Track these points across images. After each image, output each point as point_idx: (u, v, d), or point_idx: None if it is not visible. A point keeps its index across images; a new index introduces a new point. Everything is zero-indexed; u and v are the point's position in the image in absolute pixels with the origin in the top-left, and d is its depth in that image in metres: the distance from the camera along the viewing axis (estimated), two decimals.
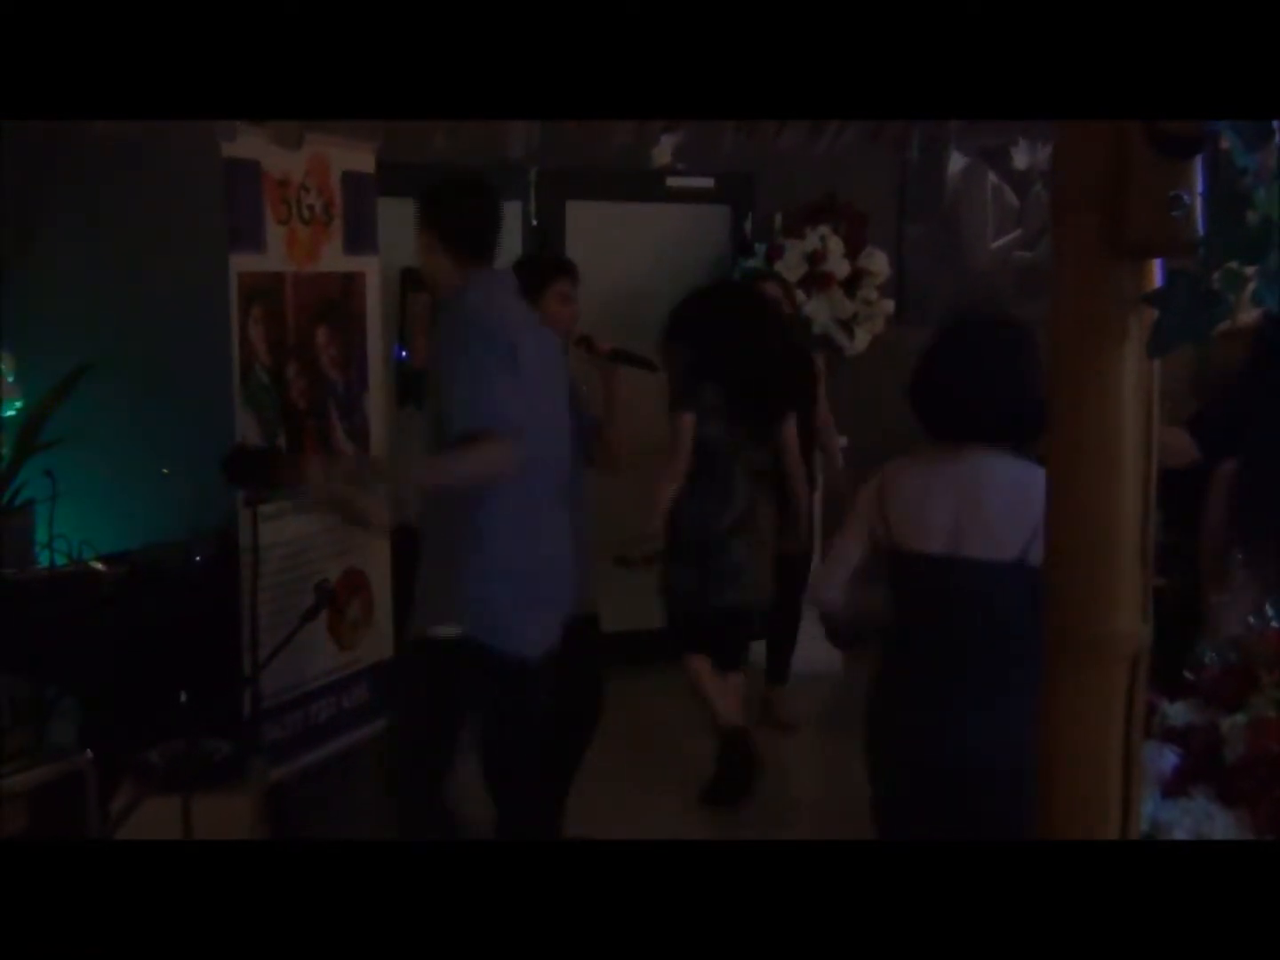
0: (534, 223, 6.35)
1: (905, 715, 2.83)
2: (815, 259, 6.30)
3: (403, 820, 3.63)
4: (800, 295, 6.18)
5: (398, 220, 4.94)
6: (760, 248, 6.43)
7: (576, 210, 6.47)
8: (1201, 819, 2.29)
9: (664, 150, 4.80)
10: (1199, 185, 1.52)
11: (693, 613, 4.93)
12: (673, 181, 6.33)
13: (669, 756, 5.14)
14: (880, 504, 2.87)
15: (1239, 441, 3.79)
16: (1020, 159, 7.17)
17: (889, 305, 6.50)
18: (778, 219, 6.52)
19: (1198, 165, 1.52)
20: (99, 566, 4.26)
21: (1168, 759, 2.43)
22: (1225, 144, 1.49)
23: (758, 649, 5.60)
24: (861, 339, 6.43)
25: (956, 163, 7.09)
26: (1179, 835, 2.27)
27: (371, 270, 4.84)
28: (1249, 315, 4.12)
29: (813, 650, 6.34)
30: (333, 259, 4.67)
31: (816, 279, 6.28)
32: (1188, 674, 2.66)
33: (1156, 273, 1.64)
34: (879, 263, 6.45)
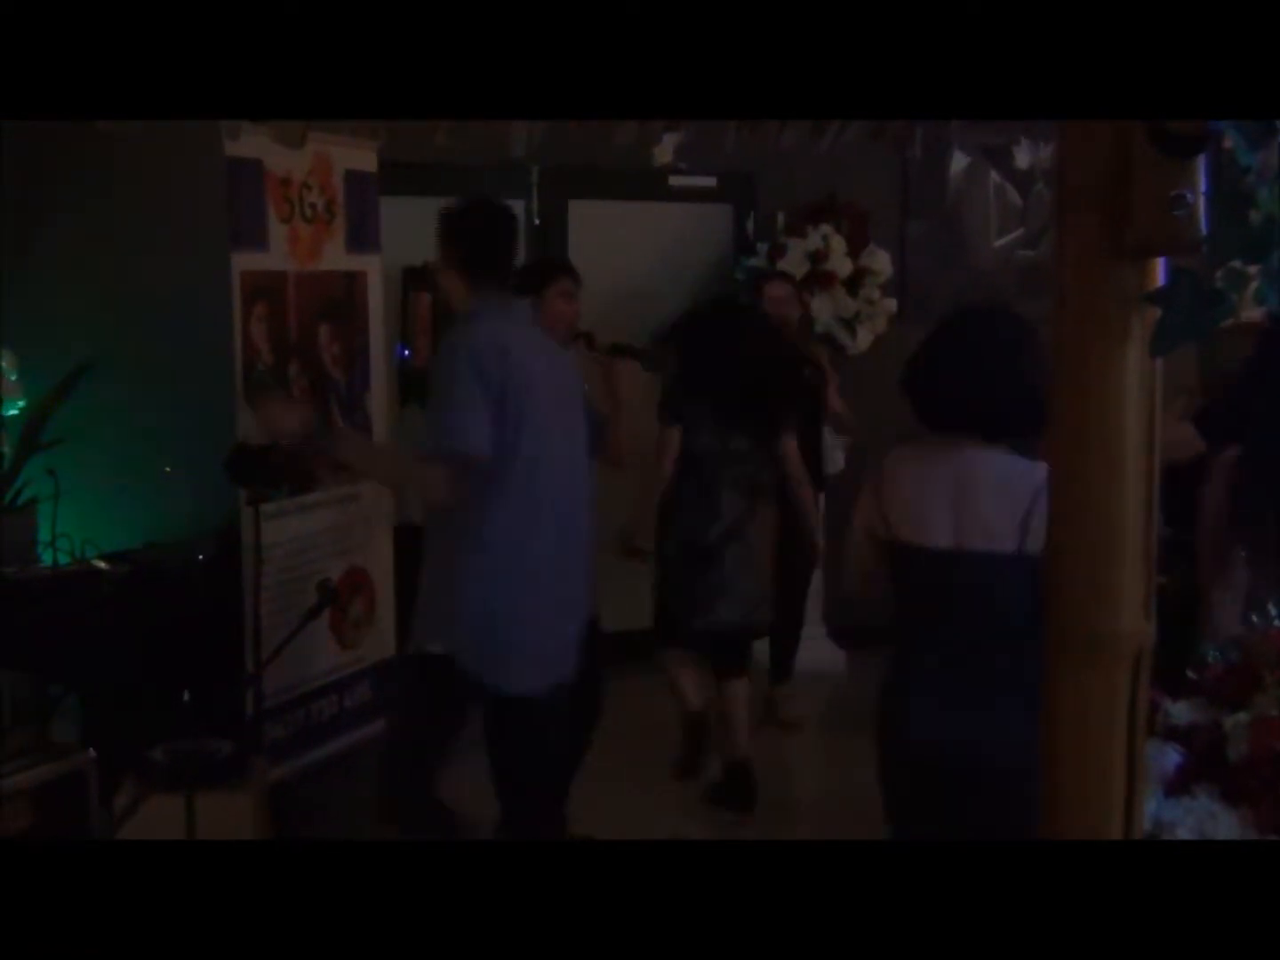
0: (536, 221, 6.35)
1: (913, 711, 2.83)
2: (817, 258, 6.30)
3: (394, 815, 3.63)
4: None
5: (400, 219, 4.96)
6: (762, 247, 6.43)
7: (579, 209, 6.47)
8: (1204, 818, 2.29)
9: (666, 149, 4.79)
10: (1202, 184, 1.52)
11: (680, 627, 4.98)
12: (675, 180, 6.32)
13: (669, 756, 5.14)
14: (879, 499, 2.87)
15: (1242, 436, 3.80)
16: (1022, 158, 7.17)
17: (891, 304, 6.49)
18: (780, 218, 6.52)
19: (1200, 164, 1.52)
20: (101, 565, 4.26)
21: (1170, 758, 2.43)
22: (1228, 143, 1.49)
23: (760, 648, 5.61)
24: (864, 338, 6.42)
25: (959, 161, 7.08)
26: (1182, 834, 2.27)
27: (374, 269, 4.85)
28: (1254, 312, 4.13)
29: (815, 649, 6.36)
30: (335, 258, 4.67)
31: (819, 278, 6.27)
32: (1190, 673, 2.66)
33: (1159, 272, 1.64)
34: (881, 261, 6.45)
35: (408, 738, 3.64)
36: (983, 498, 2.74)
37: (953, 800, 2.75)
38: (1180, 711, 2.55)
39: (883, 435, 3.35)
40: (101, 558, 4.34)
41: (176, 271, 5.15)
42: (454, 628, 3.43)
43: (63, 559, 4.35)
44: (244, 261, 4.30)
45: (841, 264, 6.33)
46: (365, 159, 4.75)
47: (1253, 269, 1.56)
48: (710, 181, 6.58)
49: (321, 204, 4.59)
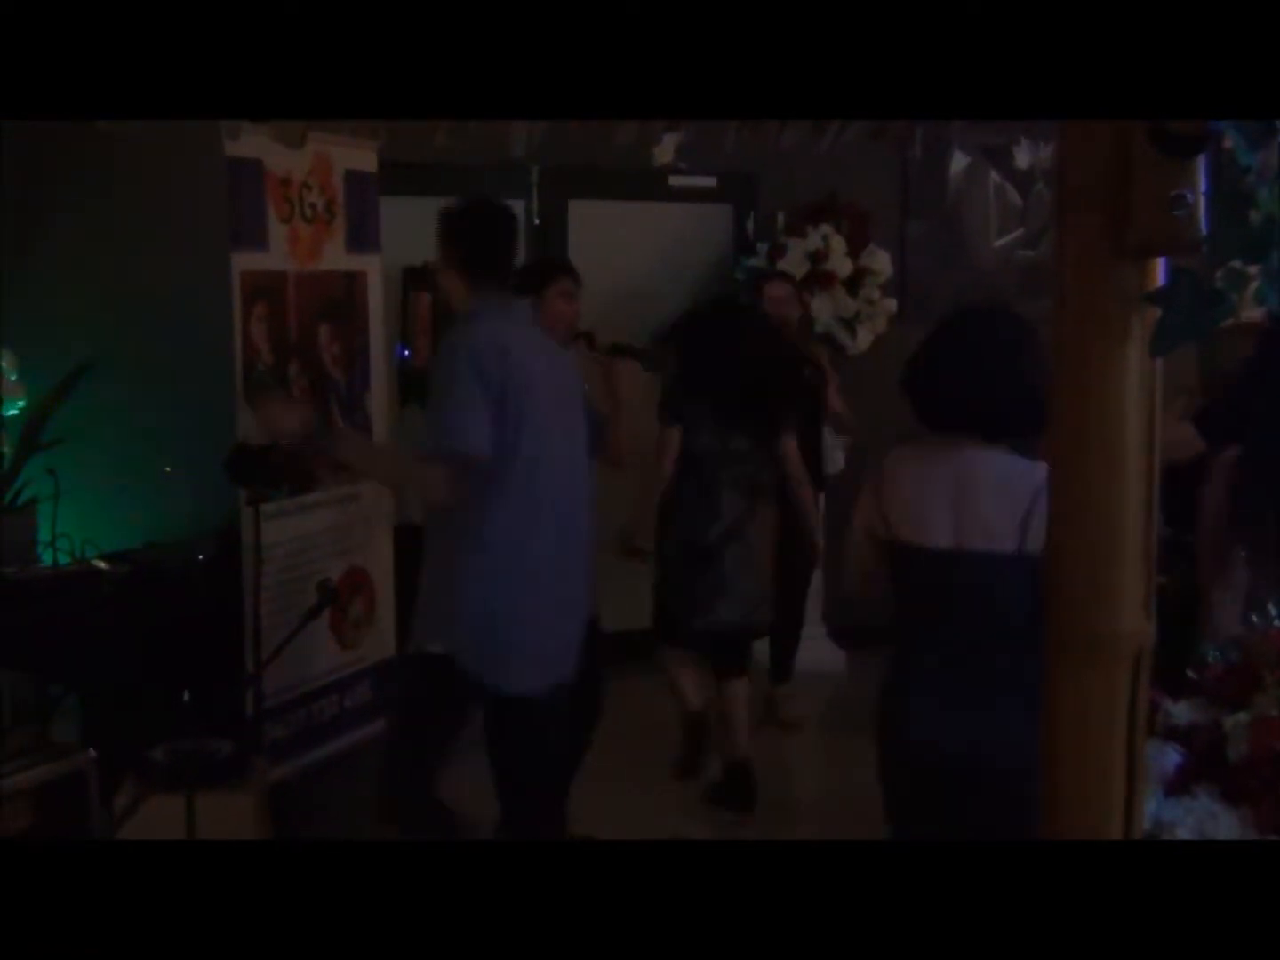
0: (536, 221, 6.35)
1: (913, 711, 2.82)
2: (817, 258, 6.30)
3: (395, 815, 3.63)
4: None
5: (400, 219, 4.96)
6: (763, 247, 6.43)
7: (579, 209, 6.47)
8: (1204, 818, 2.29)
9: (666, 149, 4.79)
10: (1202, 184, 1.52)
11: (680, 627, 4.99)
12: (675, 180, 6.32)
13: (669, 756, 5.15)
14: (879, 499, 2.87)
15: (1242, 436, 3.79)
16: (1022, 158, 7.16)
17: (891, 304, 6.49)
18: (780, 218, 6.52)
19: (1200, 164, 1.52)
20: (101, 565, 4.26)
21: (1171, 758, 2.43)
22: (1228, 143, 1.49)
23: (760, 648, 5.61)
24: (864, 338, 6.42)
25: (959, 161, 7.08)
26: (1182, 834, 2.27)
27: (373, 269, 4.85)
28: (1256, 313, 4.13)
29: (815, 649, 6.36)
30: (335, 258, 4.68)
31: (819, 278, 6.27)
32: (1190, 672, 2.66)
33: (1159, 272, 1.64)
34: (881, 261, 6.45)
35: (408, 738, 3.64)
36: (982, 498, 2.74)
37: (953, 801, 2.75)
38: (1180, 711, 2.55)
39: (883, 435, 3.34)
40: (101, 558, 4.34)
41: (176, 271, 5.15)
42: (454, 628, 3.43)
43: (63, 559, 4.36)
44: (244, 261, 4.30)
45: (841, 264, 6.33)
46: (365, 159, 4.75)
47: (1253, 269, 1.56)
48: (710, 181, 6.57)
49: (321, 204, 4.59)
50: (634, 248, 6.52)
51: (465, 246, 3.51)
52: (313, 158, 4.51)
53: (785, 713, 5.89)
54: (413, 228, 4.28)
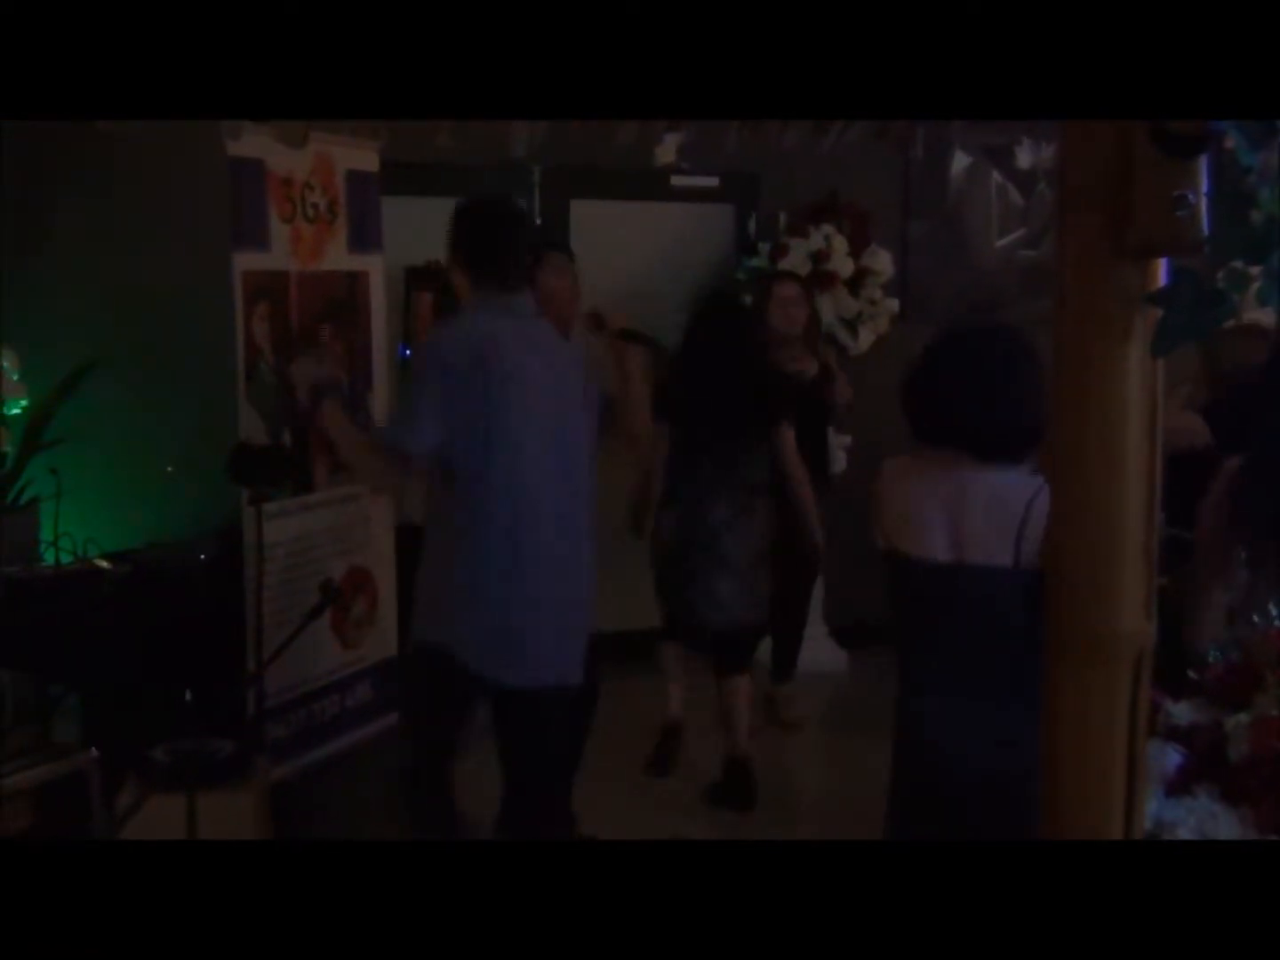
0: (538, 221, 6.35)
1: (920, 720, 2.82)
2: (819, 258, 6.30)
3: (410, 815, 3.64)
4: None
5: (401, 219, 4.96)
6: (764, 247, 6.43)
7: (581, 209, 6.46)
8: (1205, 818, 2.29)
9: (668, 149, 4.79)
10: (1203, 185, 1.52)
11: (680, 627, 5.01)
12: (677, 180, 6.32)
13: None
14: (877, 507, 2.87)
15: (1249, 438, 3.79)
16: (1024, 158, 7.16)
17: (893, 304, 6.49)
18: (782, 218, 6.52)
19: (1202, 165, 1.52)
20: (103, 565, 4.27)
21: (1171, 758, 2.43)
22: (1230, 143, 1.49)
23: (761, 648, 5.60)
24: (865, 338, 6.42)
25: (960, 161, 7.08)
26: (1183, 834, 2.27)
27: (376, 269, 4.85)
28: (1257, 313, 4.13)
29: (816, 649, 6.36)
30: (337, 257, 4.68)
31: (820, 278, 6.27)
32: (1191, 673, 2.66)
33: (1161, 272, 1.64)
34: (883, 262, 6.44)
35: (417, 735, 3.65)
36: (976, 514, 2.72)
37: (958, 813, 2.74)
38: (1181, 711, 2.55)
39: (883, 435, 3.34)
40: (103, 557, 4.35)
41: (177, 271, 5.15)
42: (452, 624, 3.43)
43: (65, 558, 4.35)
44: (246, 261, 4.30)
45: (843, 264, 6.33)
46: (367, 159, 4.75)
47: (1254, 269, 1.56)
48: (712, 181, 6.57)
49: (323, 204, 4.59)
50: (636, 248, 6.52)
51: (467, 244, 3.52)
52: (314, 158, 4.51)
53: (786, 713, 5.89)
54: (414, 228, 4.29)
